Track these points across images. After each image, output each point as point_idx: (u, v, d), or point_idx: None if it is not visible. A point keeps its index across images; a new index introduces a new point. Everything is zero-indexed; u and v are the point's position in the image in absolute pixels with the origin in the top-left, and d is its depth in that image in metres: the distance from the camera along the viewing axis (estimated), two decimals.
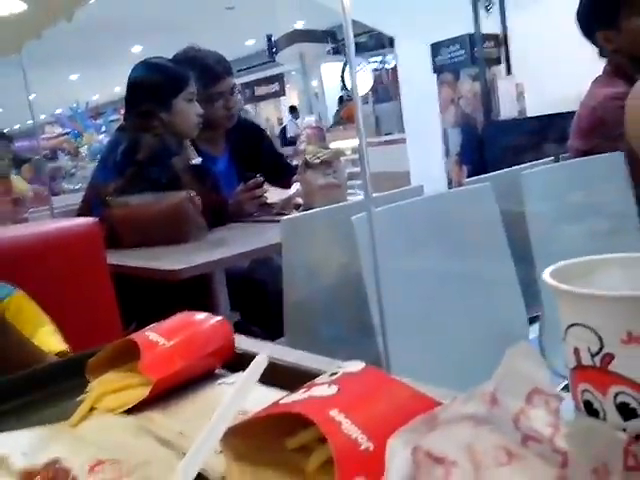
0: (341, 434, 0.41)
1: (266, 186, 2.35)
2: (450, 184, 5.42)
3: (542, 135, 4.07)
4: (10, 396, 0.71)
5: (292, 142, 6.25)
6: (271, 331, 1.71)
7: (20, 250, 1.36)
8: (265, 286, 2.16)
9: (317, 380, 0.49)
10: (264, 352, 0.70)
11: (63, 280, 1.33)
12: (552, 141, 3.64)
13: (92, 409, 0.63)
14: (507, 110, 5.35)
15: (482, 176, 1.59)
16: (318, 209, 1.47)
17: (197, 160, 2.19)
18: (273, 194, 2.41)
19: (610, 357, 0.39)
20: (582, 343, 0.40)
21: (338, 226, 1.12)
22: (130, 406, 0.62)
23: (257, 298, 2.13)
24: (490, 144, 4.90)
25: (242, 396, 0.38)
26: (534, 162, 1.63)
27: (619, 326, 0.38)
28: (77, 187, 4.55)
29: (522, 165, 1.62)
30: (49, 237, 1.46)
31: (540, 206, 1.43)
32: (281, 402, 0.47)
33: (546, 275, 0.43)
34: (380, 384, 0.47)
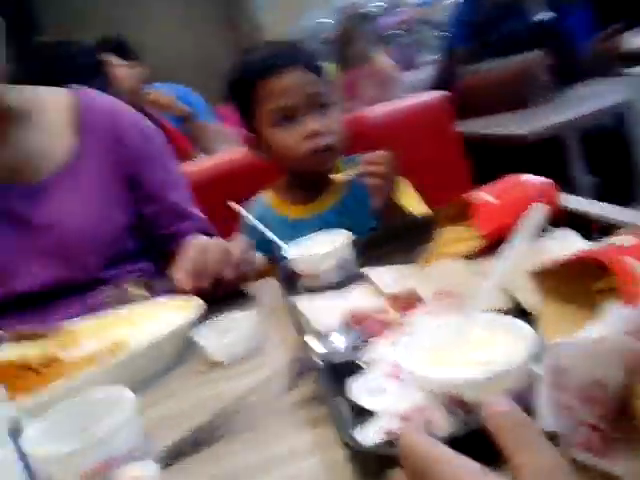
0: (632, 277, 0.47)
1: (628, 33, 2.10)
2: None
3: None
4: (382, 243, 0.93)
5: None
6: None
7: (387, 124, 1.60)
8: (628, 147, 1.99)
9: (619, 231, 0.54)
10: (588, 210, 0.76)
11: (420, 149, 1.52)
12: None
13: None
14: None
15: None
16: None
17: (543, 15, 2.08)
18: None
19: None
20: None
21: None
22: (466, 254, 0.76)
23: (619, 161, 1.99)
24: None
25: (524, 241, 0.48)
26: None
27: None
28: (433, 58, 4.70)
29: None
30: (408, 112, 1.66)
31: None
32: (585, 250, 0.55)
33: None
34: None
